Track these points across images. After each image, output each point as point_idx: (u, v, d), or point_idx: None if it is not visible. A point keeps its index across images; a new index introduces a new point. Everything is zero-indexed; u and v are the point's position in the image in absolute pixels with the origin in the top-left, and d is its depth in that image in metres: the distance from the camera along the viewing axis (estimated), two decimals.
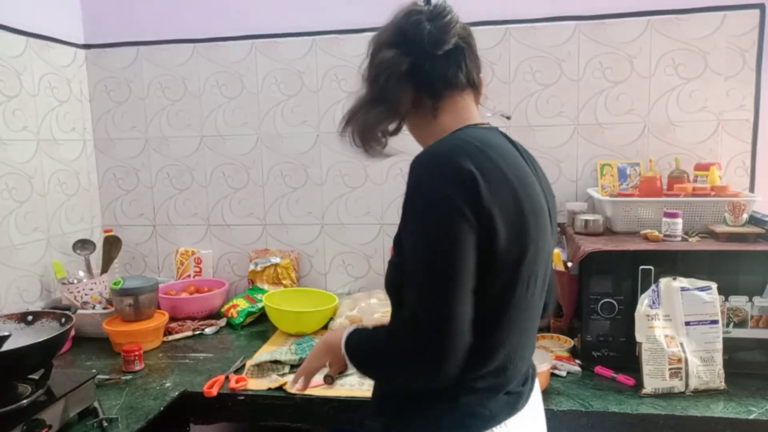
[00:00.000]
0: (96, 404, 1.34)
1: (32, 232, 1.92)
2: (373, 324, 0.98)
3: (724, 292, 1.43)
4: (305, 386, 1.18)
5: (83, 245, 2.04)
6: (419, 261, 0.84)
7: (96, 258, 2.09)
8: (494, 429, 0.91)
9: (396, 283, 0.91)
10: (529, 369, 1.03)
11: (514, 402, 0.95)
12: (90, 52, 2.20)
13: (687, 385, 1.37)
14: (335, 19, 2.04)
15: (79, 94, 2.17)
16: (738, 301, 1.44)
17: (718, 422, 1.27)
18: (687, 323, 1.41)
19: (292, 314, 1.83)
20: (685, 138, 1.90)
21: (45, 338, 1.22)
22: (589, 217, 1.70)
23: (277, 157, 2.15)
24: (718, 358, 1.39)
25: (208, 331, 1.92)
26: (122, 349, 1.60)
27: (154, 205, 2.26)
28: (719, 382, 1.38)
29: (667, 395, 1.37)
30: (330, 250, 2.17)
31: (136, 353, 1.60)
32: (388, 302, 1.02)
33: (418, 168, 0.86)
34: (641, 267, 1.46)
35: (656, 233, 1.57)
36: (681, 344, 1.39)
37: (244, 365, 1.60)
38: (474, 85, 1.00)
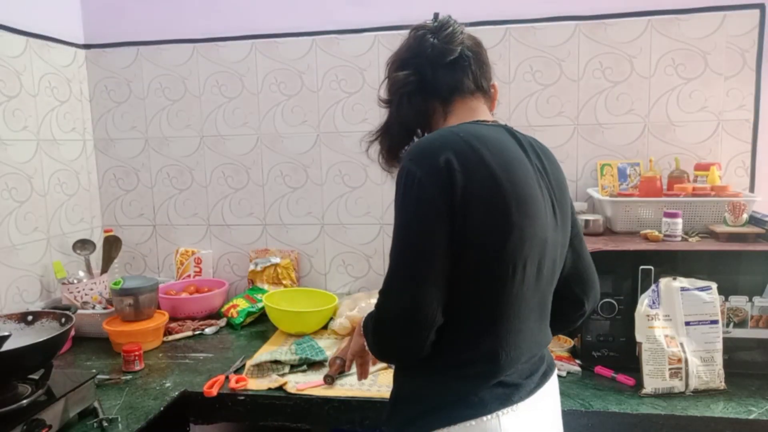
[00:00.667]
0: (96, 404, 1.34)
1: (32, 232, 1.92)
2: None
3: (724, 292, 1.43)
4: (365, 373, 1.23)
5: (83, 245, 2.04)
6: (394, 243, 0.93)
7: (96, 258, 2.09)
8: (483, 418, 0.91)
9: None
10: (539, 364, 1.02)
11: (510, 393, 0.94)
12: (90, 52, 2.20)
13: (687, 385, 1.37)
14: (335, 19, 2.04)
15: (79, 94, 2.17)
16: (738, 301, 1.44)
17: (718, 422, 1.28)
18: (687, 323, 1.41)
19: (292, 314, 1.83)
20: (685, 138, 1.90)
21: (45, 338, 1.22)
22: (589, 217, 1.70)
23: (277, 157, 2.15)
24: (718, 358, 1.39)
25: (208, 331, 1.92)
26: (122, 349, 1.60)
27: (154, 205, 2.26)
28: (719, 382, 1.38)
29: (667, 395, 1.37)
30: (330, 250, 2.17)
31: (136, 353, 1.60)
32: None
33: (404, 159, 0.95)
34: (641, 267, 1.46)
35: (656, 233, 1.57)
36: (681, 344, 1.40)
37: (244, 365, 1.60)
38: (483, 90, 1.06)
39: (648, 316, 1.41)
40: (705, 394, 1.37)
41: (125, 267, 2.30)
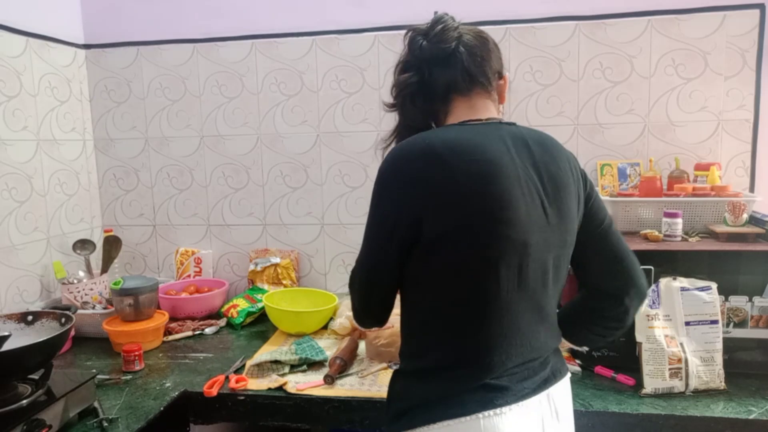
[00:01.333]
0: (96, 404, 1.34)
1: (32, 232, 1.92)
2: None
3: (724, 292, 1.43)
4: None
5: (83, 245, 2.04)
6: (364, 232, 1.03)
7: (96, 258, 2.09)
8: (462, 419, 0.92)
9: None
10: (540, 369, 1.00)
11: (494, 397, 0.93)
12: (90, 52, 2.20)
13: (687, 385, 1.37)
14: (335, 19, 2.04)
15: (79, 94, 2.17)
16: (738, 301, 1.44)
17: (718, 422, 1.27)
18: (687, 323, 1.41)
19: (292, 314, 1.83)
20: (685, 138, 1.90)
21: (45, 338, 1.22)
22: None
23: (277, 157, 2.15)
24: (718, 358, 1.39)
25: (208, 331, 1.92)
26: (122, 349, 1.60)
27: (154, 205, 2.26)
28: (719, 382, 1.38)
29: (667, 395, 1.37)
30: (330, 250, 2.17)
31: (136, 353, 1.60)
32: None
33: (382, 162, 1.01)
34: (641, 267, 1.46)
35: (656, 233, 1.57)
36: (681, 344, 1.40)
37: (244, 365, 1.60)
38: (482, 85, 1.04)
39: (648, 316, 1.41)
40: (705, 394, 1.37)
41: (125, 267, 2.30)
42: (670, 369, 1.37)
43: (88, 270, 2.02)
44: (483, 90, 1.05)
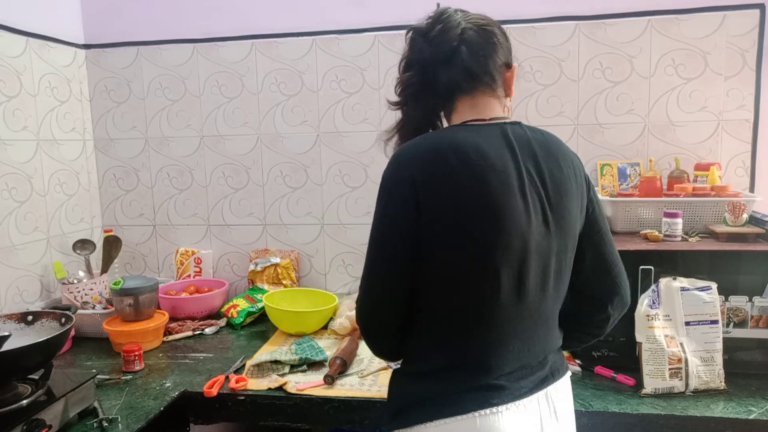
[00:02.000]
0: (96, 404, 1.34)
1: (32, 232, 1.92)
2: None
3: (724, 292, 1.43)
4: None
5: (83, 245, 2.04)
6: (367, 248, 1.01)
7: (96, 258, 2.09)
8: (458, 417, 0.92)
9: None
10: (538, 369, 1.00)
11: (490, 396, 0.94)
12: (90, 52, 2.20)
13: (687, 385, 1.37)
14: (335, 19, 2.04)
15: (79, 94, 2.17)
16: (738, 301, 1.44)
17: (718, 422, 1.27)
18: (687, 323, 1.41)
19: (292, 314, 1.83)
20: (685, 138, 1.90)
21: (45, 338, 1.22)
22: None
23: (277, 157, 2.15)
24: (718, 358, 1.39)
25: (208, 331, 1.92)
26: (122, 349, 1.60)
27: (154, 205, 2.26)
28: (719, 382, 1.38)
29: (667, 395, 1.37)
30: (330, 250, 2.17)
31: (136, 353, 1.60)
32: None
33: (386, 166, 1.00)
34: (641, 267, 1.46)
35: (656, 233, 1.57)
36: (681, 344, 1.40)
37: (244, 365, 1.60)
38: (485, 82, 1.02)
39: (648, 316, 1.41)
40: (705, 394, 1.37)
41: (125, 267, 2.30)
42: (670, 369, 1.37)
43: (88, 270, 2.02)
44: (487, 88, 1.03)
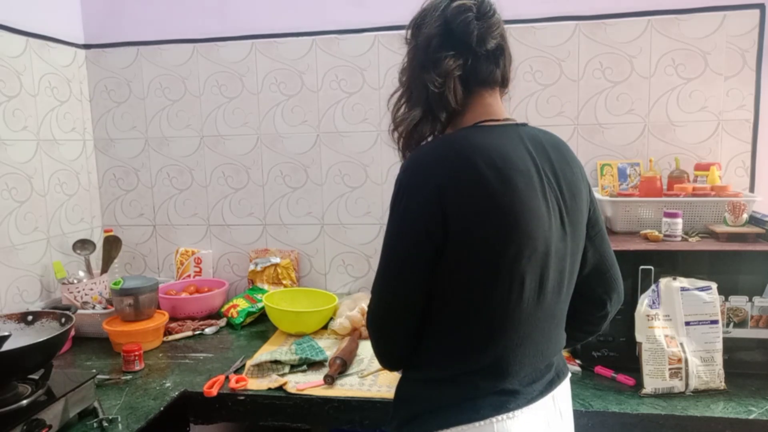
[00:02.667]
0: (96, 404, 1.34)
1: (32, 232, 1.92)
2: None
3: (724, 292, 1.43)
4: None
5: (83, 245, 2.04)
6: (382, 249, 0.95)
7: (96, 258, 2.09)
8: (476, 423, 0.91)
9: None
10: (546, 372, 1.00)
11: (506, 401, 0.93)
12: (90, 52, 2.20)
13: (687, 385, 1.37)
14: (335, 19, 2.04)
15: (79, 94, 2.17)
16: (738, 301, 1.44)
17: (718, 422, 1.27)
18: (687, 323, 1.41)
19: (292, 314, 1.83)
20: (685, 138, 1.90)
21: (45, 338, 1.22)
22: None
23: (277, 157, 2.15)
24: (718, 358, 1.39)
25: (208, 331, 1.92)
26: (122, 349, 1.60)
27: (154, 205, 2.26)
28: (719, 382, 1.38)
29: (667, 395, 1.37)
30: (330, 250, 2.17)
31: (136, 353, 1.60)
32: None
33: (402, 170, 0.94)
34: (641, 267, 1.46)
35: (656, 233, 1.57)
36: (681, 344, 1.40)
37: (244, 365, 1.60)
38: (506, 84, 1.02)
39: (648, 316, 1.41)
40: (705, 394, 1.37)
41: (125, 267, 2.30)
42: (670, 369, 1.37)
43: (88, 270, 2.02)
44: (502, 90, 1.02)
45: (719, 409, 1.30)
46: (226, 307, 2.04)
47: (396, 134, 1.02)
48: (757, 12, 1.81)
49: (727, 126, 1.87)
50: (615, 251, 1.47)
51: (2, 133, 1.80)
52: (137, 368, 1.59)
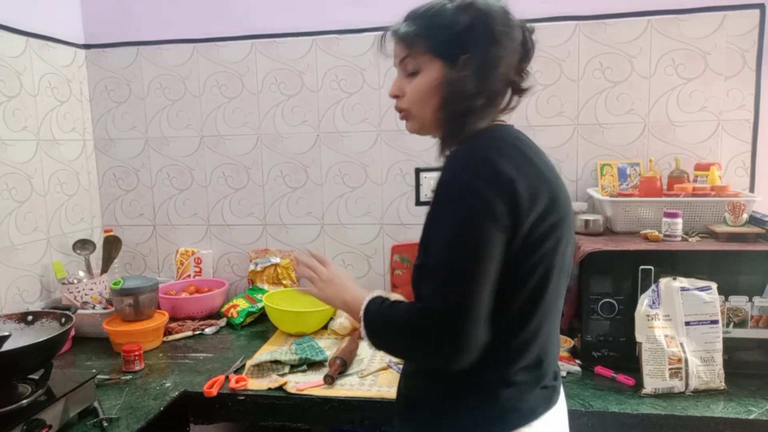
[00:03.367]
0: (96, 404, 1.34)
1: (32, 232, 1.92)
2: (394, 298, 0.98)
3: (724, 292, 1.43)
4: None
5: (83, 245, 2.04)
6: (446, 256, 0.88)
7: (96, 258, 2.09)
8: (533, 423, 0.93)
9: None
10: (557, 366, 1.04)
11: (549, 396, 0.97)
12: (90, 52, 2.20)
13: (687, 385, 1.37)
14: (335, 19, 2.04)
15: (79, 94, 2.17)
16: (738, 301, 1.44)
17: (718, 422, 1.28)
18: (687, 323, 1.41)
19: (292, 314, 1.83)
20: (685, 138, 1.90)
21: (45, 338, 1.22)
22: (589, 217, 1.70)
23: (277, 157, 2.15)
24: (718, 358, 1.39)
25: (208, 331, 1.92)
26: (122, 349, 1.60)
27: (154, 205, 2.26)
28: (719, 382, 1.38)
29: (667, 395, 1.37)
30: (330, 250, 2.17)
31: (136, 353, 1.60)
32: None
33: (457, 166, 0.90)
34: (641, 267, 1.46)
35: (656, 233, 1.57)
36: (681, 344, 1.40)
37: (244, 365, 1.60)
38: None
39: (648, 316, 1.41)
40: (705, 394, 1.37)
41: (125, 267, 2.30)
42: (670, 369, 1.37)
43: (88, 270, 2.02)
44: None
45: (719, 409, 1.30)
46: (226, 307, 2.04)
47: (454, 115, 0.96)
48: (757, 12, 1.81)
49: (727, 126, 1.87)
50: (615, 251, 1.49)
51: (2, 133, 1.80)
52: (137, 368, 1.60)
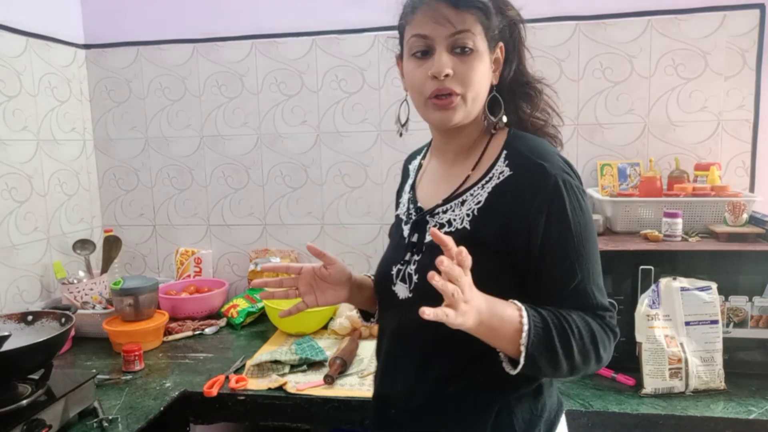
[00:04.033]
0: (96, 404, 1.34)
1: (32, 232, 1.92)
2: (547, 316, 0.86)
3: (724, 292, 1.43)
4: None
5: (83, 245, 2.04)
6: (589, 255, 0.89)
7: (96, 258, 2.09)
8: (564, 410, 1.01)
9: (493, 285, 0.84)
10: None
11: (560, 397, 1.04)
12: (90, 52, 2.20)
13: (687, 385, 1.37)
14: (335, 19, 2.04)
15: (79, 94, 2.17)
16: (738, 301, 1.44)
17: (718, 422, 1.28)
18: (687, 323, 1.41)
19: None
20: (685, 138, 1.90)
21: (45, 338, 1.22)
22: None
23: (277, 157, 2.15)
24: (718, 358, 1.39)
25: (208, 331, 1.92)
26: (122, 349, 1.60)
27: (154, 205, 2.26)
28: (719, 382, 1.38)
29: (667, 395, 1.37)
30: (330, 250, 2.16)
31: (136, 353, 1.60)
32: None
33: (566, 171, 0.89)
34: (641, 267, 1.46)
35: (656, 233, 1.57)
36: (681, 344, 1.39)
37: (244, 365, 1.60)
38: None
39: (648, 316, 1.41)
40: (705, 394, 1.37)
41: (125, 267, 2.30)
42: (670, 369, 1.37)
43: (88, 270, 2.02)
44: None
45: (719, 409, 1.30)
46: (226, 307, 2.04)
47: (499, 106, 1.00)
48: (757, 12, 1.81)
49: (727, 126, 1.87)
50: (615, 251, 1.49)
51: (2, 133, 1.80)
52: (137, 368, 1.59)
